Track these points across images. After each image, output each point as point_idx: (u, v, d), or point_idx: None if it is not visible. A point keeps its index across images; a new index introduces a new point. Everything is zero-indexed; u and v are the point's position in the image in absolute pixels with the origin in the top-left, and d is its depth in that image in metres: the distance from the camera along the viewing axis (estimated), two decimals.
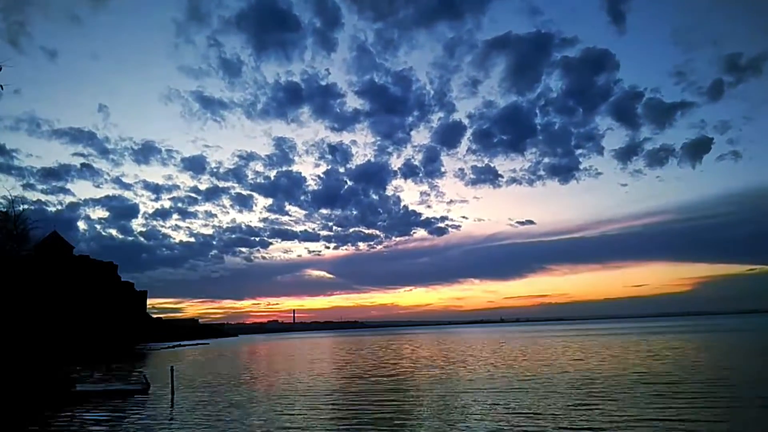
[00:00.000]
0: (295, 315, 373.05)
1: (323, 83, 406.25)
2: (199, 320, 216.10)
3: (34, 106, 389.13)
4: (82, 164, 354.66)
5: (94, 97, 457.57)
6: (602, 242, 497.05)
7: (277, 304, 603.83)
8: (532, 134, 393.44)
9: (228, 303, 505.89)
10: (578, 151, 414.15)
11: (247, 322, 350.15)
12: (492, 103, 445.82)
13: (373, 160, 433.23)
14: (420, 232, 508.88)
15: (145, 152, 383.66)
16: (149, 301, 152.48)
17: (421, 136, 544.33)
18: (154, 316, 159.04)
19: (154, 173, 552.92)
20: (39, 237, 58.95)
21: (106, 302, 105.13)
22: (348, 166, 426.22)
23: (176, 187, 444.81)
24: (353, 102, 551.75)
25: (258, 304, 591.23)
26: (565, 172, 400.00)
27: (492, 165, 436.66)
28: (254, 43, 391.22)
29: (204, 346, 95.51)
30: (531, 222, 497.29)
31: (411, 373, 28.83)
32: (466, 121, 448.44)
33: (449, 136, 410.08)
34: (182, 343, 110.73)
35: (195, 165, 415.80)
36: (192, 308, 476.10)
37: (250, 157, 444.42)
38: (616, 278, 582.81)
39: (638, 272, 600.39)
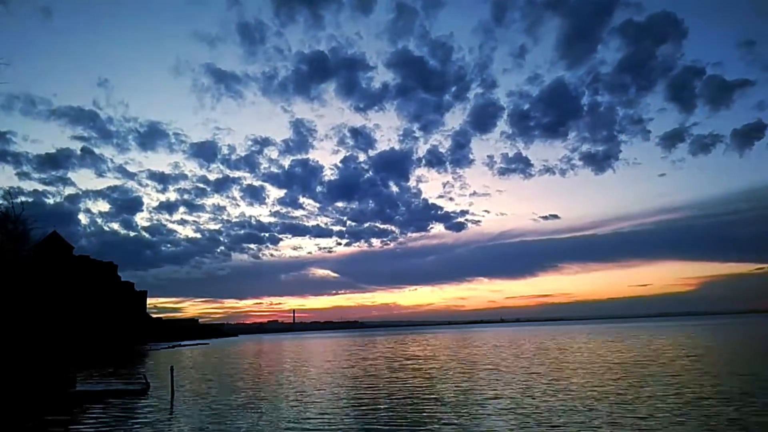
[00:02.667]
0: (296, 315, 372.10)
1: (352, 52, 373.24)
2: (199, 320, 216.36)
3: (28, 81, 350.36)
4: (83, 149, 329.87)
5: (93, 69, 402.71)
6: (616, 240, 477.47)
7: (279, 303, 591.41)
8: (574, 116, 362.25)
9: (229, 303, 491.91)
10: (621, 137, 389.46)
11: (248, 322, 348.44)
12: (537, 77, 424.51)
13: (396, 147, 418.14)
14: (437, 228, 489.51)
15: (151, 136, 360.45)
16: (150, 301, 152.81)
17: (453, 119, 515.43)
18: (154, 316, 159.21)
19: (160, 161, 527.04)
20: (39, 237, 58.98)
21: (105, 302, 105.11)
22: (370, 152, 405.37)
23: (183, 176, 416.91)
24: (383, 75, 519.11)
25: (260, 303, 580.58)
26: (601, 160, 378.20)
27: (524, 154, 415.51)
28: (279, 1, 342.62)
29: (204, 346, 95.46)
30: (555, 217, 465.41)
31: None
32: (504, 101, 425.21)
33: (484, 117, 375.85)
34: (182, 343, 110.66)
35: (205, 151, 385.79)
36: (193, 308, 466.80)
37: (264, 142, 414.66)
38: (620, 277, 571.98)
39: (646, 271, 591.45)
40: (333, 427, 14.33)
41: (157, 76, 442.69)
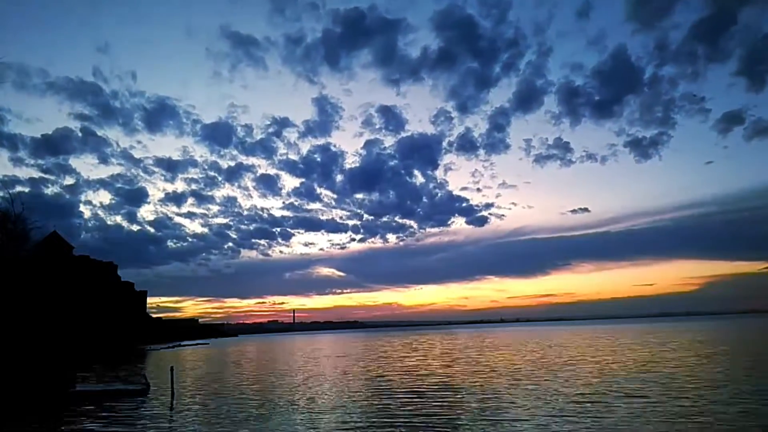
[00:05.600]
0: (297, 315, 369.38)
1: (393, 7, 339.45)
2: (199, 320, 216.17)
3: (21, 48, 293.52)
4: (84, 130, 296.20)
5: (92, 32, 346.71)
6: (633, 236, 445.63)
7: (282, 303, 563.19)
8: (631, 91, 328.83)
9: (231, 302, 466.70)
10: (676, 117, 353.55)
11: (248, 322, 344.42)
12: (598, 43, 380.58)
13: (427, 129, 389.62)
14: (457, 223, 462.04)
15: (159, 114, 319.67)
16: (151, 300, 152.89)
17: (496, 95, 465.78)
18: (154, 315, 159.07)
19: (168, 144, 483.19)
20: (38, 237, 58.87)
21: (105, 303, 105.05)
22: (397, 135, 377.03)
23: (193, 163, 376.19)
24: (425, 39, 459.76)
25: (263, 303, 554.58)
26: (647, 146, 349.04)
27: (564, 139, 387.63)
28: None
29: (204, 346, 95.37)
30: (586, 210, 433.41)
31: None
32: (556, 74, 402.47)
33: (531, 93, 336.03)
34: (182, 343, 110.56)
35: (218, 133, 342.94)
36: (193, 307, 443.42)
37: (283, 123, 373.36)
38: (628, 277, 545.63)
39: (654, 270, 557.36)
40: (335, 426, 14.24)
41: (166, 40, 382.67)
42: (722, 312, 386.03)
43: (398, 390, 21.22)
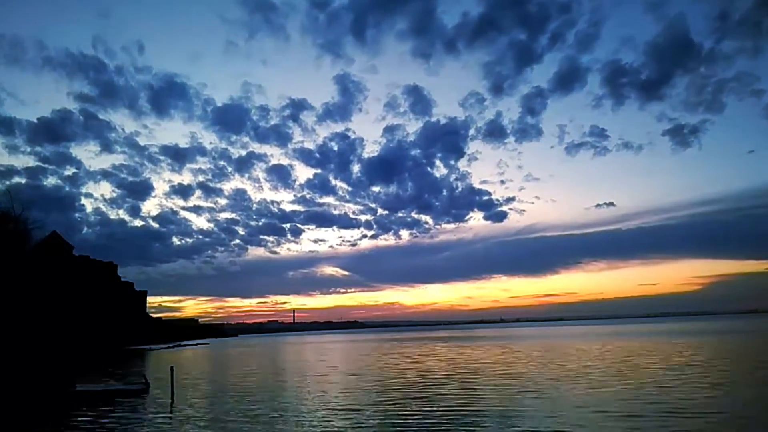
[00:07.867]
0: (297, 315, 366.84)
1: None
2: (199, 320, 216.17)
3: (13, 14, 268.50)
4: (84, 112, 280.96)
5: None
6: (652, 233, 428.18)
7: (284, 303, 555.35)
8: (683, 68, 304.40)
9: (232, 301, 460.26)
10: (726, 99, 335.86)
11: (249, 322, 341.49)
12: (656, 8, 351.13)
13: (455, 114, 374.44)
14: (475, 218, 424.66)
15: (167, 94, 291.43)
16: (153, 299, 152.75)
17: (536, 74, 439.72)
18: (154, 315, 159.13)
19: (176, 130, 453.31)
20: (39, 237, 59.01)
21: (105, 303, 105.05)
22: (424, 119, 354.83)
23: (202, 151, 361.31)
24: (467, 1, 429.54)
25: (265, 302, 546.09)
26: (689, 133, 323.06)
27: (600, 125, 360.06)
28: None
29: (204, 346, 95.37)
30: (611, 204, 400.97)
31: None
32: (603, 50, 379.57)
33: (573, 71, 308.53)
34: (182, 343, 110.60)
35: (230, 117, 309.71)
36: (194, 307, 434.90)
37: (300, 105, 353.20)
38: (633, 276, 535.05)
39: (661, 269, 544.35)
40: (334, 427, 14.28)
41: (175, 5, 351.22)
42: (723, 312, 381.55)
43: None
